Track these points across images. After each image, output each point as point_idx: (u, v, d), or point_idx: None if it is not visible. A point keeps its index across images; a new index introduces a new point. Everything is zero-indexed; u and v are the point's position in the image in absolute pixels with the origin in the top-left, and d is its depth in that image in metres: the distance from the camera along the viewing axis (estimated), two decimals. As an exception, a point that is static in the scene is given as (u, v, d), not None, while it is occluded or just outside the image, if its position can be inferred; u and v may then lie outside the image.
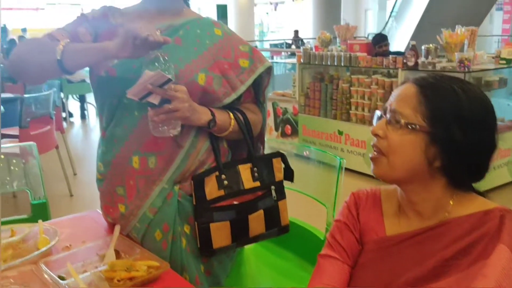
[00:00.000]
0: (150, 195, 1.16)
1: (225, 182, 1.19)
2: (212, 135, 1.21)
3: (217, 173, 1.19)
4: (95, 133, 6.76)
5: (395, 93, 0.89)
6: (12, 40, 9.78)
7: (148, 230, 1.17)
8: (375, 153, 0.88)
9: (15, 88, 6.73)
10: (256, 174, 1.23)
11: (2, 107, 3.56)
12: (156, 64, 1.03)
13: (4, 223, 1.66)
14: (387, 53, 4.37)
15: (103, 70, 1.15)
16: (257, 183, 1.23)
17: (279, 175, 1.27)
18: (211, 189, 1.18)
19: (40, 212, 1.76)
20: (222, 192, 1.19)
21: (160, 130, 1.08)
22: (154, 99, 1.05)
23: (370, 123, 3.94)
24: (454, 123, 0.81)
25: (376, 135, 0.87)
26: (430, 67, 3.54)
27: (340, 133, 4.31)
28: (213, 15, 22.00)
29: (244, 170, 1.22)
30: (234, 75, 1.21)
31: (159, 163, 1.15)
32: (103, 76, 1.16)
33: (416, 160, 0.83)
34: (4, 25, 17.27)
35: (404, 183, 0.87)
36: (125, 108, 1.16)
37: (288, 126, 4.96)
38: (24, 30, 16.28)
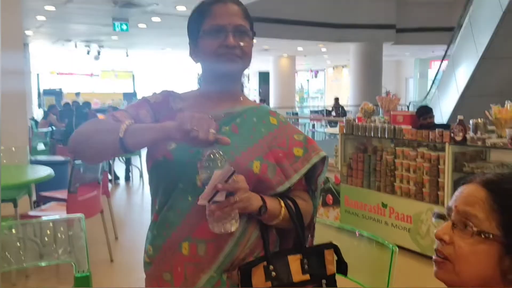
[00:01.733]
0: (197, 283, 1.13)
1: (273, 273, 1.15)
2: (261, 222, 1.19)
3: (265, 263, 1.15)
4: (138, 196, 6.89)
5: (461, 192, 0.84)
6: (67, 104, 10.37)
7: (195, 319, 1.13)
8: (438, 258, 0.82)
9: (66, 151, 7.04)
10: (306, 266, 1.18)
11: (53, 172, 3.69)
12: (210, 163, 1.04)
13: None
14: (432, 125, 4.31)
15: (160, 154, 1.17)
16: (307, 276, 1.17)
17: (331, 267, 1.22)
18: (258, 281, 1.13)
19: (83, 285, 1.76)
20: (269, 284, 1.14)
21: (223, 226, 1.06)
22: (221, 196, 1.04)
23: (416, 197, 3.85)
24: None
25: (441, 240, 0.82)
26: (479, 143, 3.44)
27: (384, 205, 4.18)
28: (255, 81, 22.75)
29: (294, 262, 1.17)
30: (288, 163, 1.21)
31: (208, 251, 1.14)
32: (160, 159, 1.17)
33: (489, 272, 0.77)
34: (60, 89, 18.44)
35: None
36: (179, 193, 1.16)
37: (330, 196, 4.87)
38: (78, 94, 17.30)
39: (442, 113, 8.53)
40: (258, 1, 7.96)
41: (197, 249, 1.13)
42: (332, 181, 4.85)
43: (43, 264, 1.95)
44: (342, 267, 1.24)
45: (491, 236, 0.77)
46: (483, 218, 0.78)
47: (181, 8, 8.52)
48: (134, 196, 6.91)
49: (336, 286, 1.23)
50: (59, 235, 1.99)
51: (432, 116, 4.50)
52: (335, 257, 1.23)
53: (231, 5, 1.20)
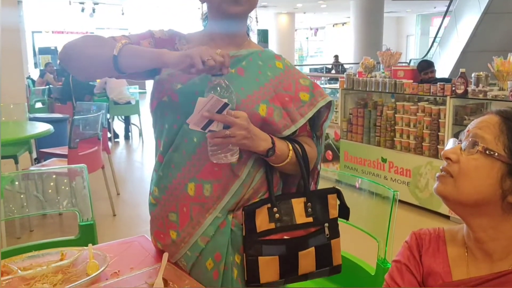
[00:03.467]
0: (202, 223, 1.15)
1: (277, 215, 1.16)
2: (267, 164, 1.19)
3: (269, 205, 1.17)
4: (138, 154, 6.92)
5: (474, 121, 0.86)
6: (63, 63, 10.19)
7: (199, 259, 1.15)
8: (443, 173, 0.85)
9: (64, 108, 7.02)
10: (309, 209, 1.19)
11: (52, 128, 3.68)
12: (218, 89, 1.03)
13: (52, 244, 1.69)
14: (433, 80, 4.27)
15: (165, 95, 1.16)
16: (310, 219, 1.19)
17: (333, 212, 1.23)
18: (262, 222, 1.15)
19: (88, 233, 1.78)
20: (272, 225, 1.16)
21: (218, 157, 1.07)
22: (216, 127, 1.04)
23: (415, 151, 3.86)
24: None
25: (447, 158, 0.84)
26: (480, 95, 3.42)
27: (384, 160, 4.21)
28: (254, 39, 22.31)
29: (298, 205, 1.19)
30: (295, 108, 1.20)
31: (214, 191, 1.14)
32: (165, 101, 1.16)
33: (490, 190, 0.79)
34: (56, 47, 18.15)
35: (471, 215, 0.82)
36: (185, 134, 1.16)
37: (329, 152, 4.90)
38: (73, 53, 17.02)
39: (443, 70, 8.45)
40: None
41: (202, 189, 1.14)
42: (332, 137, 4.86)
43: (47, 212, 1.97)
44: (344, 212, 1.26)
45: (496, 154, 0.79)
46: (490, 139, 0.81)
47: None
48: (134, 153, 6.93)
49: (338, 230, 1.25)
50: (62, 186, 2.01)
51: (433, 71, 4.46)
52: (338, 202, 1.24)
53: None
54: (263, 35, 18.54)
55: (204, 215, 1.15)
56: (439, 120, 3.74)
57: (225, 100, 1.01)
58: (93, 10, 15.23)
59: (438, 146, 3.76)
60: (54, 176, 1.98)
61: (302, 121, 1.21)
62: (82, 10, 14.87)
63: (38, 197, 1.96)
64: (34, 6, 15.11)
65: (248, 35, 1.28)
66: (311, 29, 24.09)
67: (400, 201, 3.86)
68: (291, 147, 1.19)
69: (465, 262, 0.85)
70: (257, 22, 1.28)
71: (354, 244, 1.75)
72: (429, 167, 3.80)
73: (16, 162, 3.83)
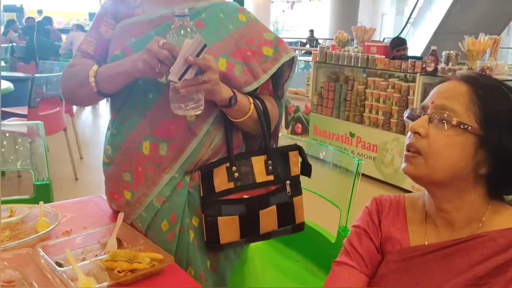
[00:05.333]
0: (158, 183, 1.10)
1: (236, 174, 1.13)
2: (227, 123, 1.14)
3: (227, 164, 1.13)
4: (104, 119, 6.73)
5: (438, 89, 0.81)
6: (29, 19, 9.75)
7: (154, 220, 1.11)
8: (410, 152, 0.80)
9: (27, 68, 6.72)
10: (270, 167, 1.16)
11: (12, 86, 3.51)
12: (182, 31, 0.96)
13: (5, 202, 1.61)
14: (404, 57, 4.29)
15: (118, 49, 1.10)
16: (271, 177, 1.16)
17: (295, 169, 1.20)
18: (220, 181, 1.11)
19: (43, 193, 1.71)
20: (231, 185, 1.12)
21: (183, 108, 0.99)
22: (190, 74, 0.96)
23: (384, 127, 3.89)
24: (507, 129, 0.74)
25: (416, 133, 0.79)
26: (450, 74, 3.44)
27: (352, 135, 4.23)
28: (229, 9, 21.88)
29: (258, 163, 1.15)
30: (257, 63, 1.15)
31: (170, 151, 1.09)
32: (118, 54, 1.10)
33: (463, 164, 0.76)
34: (21, 5, 17.31)
35: (439, 187, 0.80)
36: (139, 90, 1.10)
37: (299, 125, 4.89)
38: (40, 11, 16.31)
39: (415, 50, 8.51)
40: None
41: (158, 148, 1.09)
42: (302, 110, 4.84)
43: (2, 170, 1.87)
44: (307, 169, 1.23)
45: (469, 128, 0.75)
46: (461, 111, 0.76)
47: None
48: (100, 118, 6.75)
49: (300, 188, 1.22)
50: (17, 146, 1.91)
51: (405, 48, 4.46)
52: (300, 159, 1.22)
53: None
54: (239, 4, 18.21)
55: (160, 175, 1.10)
56: (408, 97, 3.77)
57: (204, 42, 0.94)
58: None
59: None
60: (7, 134, 1.87)
61: (265, 77, 1.16)
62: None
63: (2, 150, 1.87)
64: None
65: None
66: (287, 2, 23.79)
67: (365, 175, 3.96)
68: (251, 101, 1.14)
69: (423, 228, 0.84)
70: None
71: (317, 212, 1.75)
72: (395, 143, 3.84)
73: (-27, 120, 3.66)
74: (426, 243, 0.82)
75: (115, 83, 1.07)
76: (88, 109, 7.11)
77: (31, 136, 1.91)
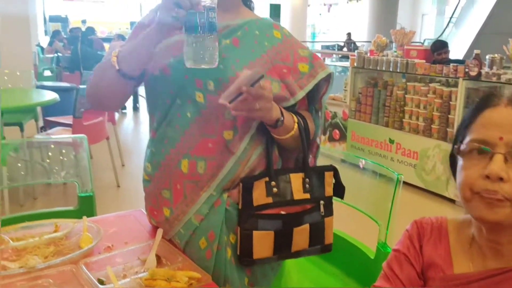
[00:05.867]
0: (196, 201, 1.12)
1: (274, 189, 1.13)
2: (268, 139, 1.15)
3: (267, 178, 1.13)
4: (145, 126, 6.90)
5: (494, 120, 0.74)
6: (74, 29, 10.08)
7: (192, 237, 1.12)
8: (493, 197, 0.71)
9: (72, 77, 6.98)
10: (307, 185, 1.16)
11: (58, 96, 3.65)
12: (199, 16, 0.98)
13: (50, 213, 1.68)
14: (446, 61, 4.17)
15: (157, 69, 1.12)
16: (307, 195, 1.16)
17: (329, 189, 1.20)
18: (259, 195, 1.12)
19: (87, 204, 1.77)
20: (269, 200, 1.12)
21: (200, 58, 1.00)
22: (243, 99, 0.99)
23: (424, 133, 3.78)
24: None
25: (499, 178, 0.71)
26: (494, 78, 3.32)
27: (391, 141, 4.15)
28: (266, 14, 22.05)
29: (296, 180, 1.15)
30: (293, 80, 1.15)
31: (208, 169, 1.11)
32: (157, 75, 1.13)
33: None
34: (66, 16, 18.01)
35: (505, 226, 0.74)
36: (178, 109, 1.12)
37: (337, 131, 4.84)
38: (84, 21, 16.91)
39: (457, 51, 8.26)
40: None
41: (196, 166, 1.11)
42: (340, 116, 4.79)
43: (46, 182, 1.95)
44: (340, 190, 1.22)
45: None
46: None
47: None
48: (141, 125, 6.92)
49: (332, 209, 1.21)
50: (61, 157, 1.99)
51: (447, 51, 4.35)
52: (333, 180, 1.21)
53: None
54: (275, 10, 18.24)
55: (198, 192, 1.11)
56: (450, 102, 3.66)
57: (262, 72, 0.98)
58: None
59: (448, 129, 3.69)
60: (52, 146, 1.95)
61: (302, 94, 1.16)
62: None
63: (43, 165, 1.95)
64: (44, -27, 14.92)
65: (243, 2, 1.22)
66: (324, 5, 23.63)
67: (405, 183, 3.85)
68: (296, 119, 1.15)
69: (468, 255, 0.80)
70: (249, 4, 1.22)
71: (355, 226, 1.73)
72: (437, 150, 3.73)
73: (22, 130, 3.83)
74: (472, 271, 0.79)
75: (137, 56, 1.06)
76: (129, 116, 7.31)
77: (75, 148, 1.98)
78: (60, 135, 3.63)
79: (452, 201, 3.59)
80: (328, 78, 1.20)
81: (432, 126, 3.81)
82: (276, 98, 1.12)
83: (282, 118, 1.09)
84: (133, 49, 1.06)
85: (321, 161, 1.35)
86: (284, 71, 1.14)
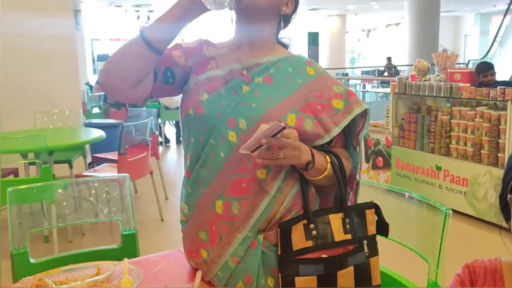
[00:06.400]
0: (232, 242, 1.10)
1: (314, 232, 1.09)
2: (302, 179, 1.13)
3: (305, 221, 1.10)
4: (187, 158, 7.01)
5: None
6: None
7: (230, 280, 1.11)
8: None
9: (118, 113, 7.23)
10: (348, 225, 1.12)
11: (104, 134, 3.78)
12: None
13: (94, 252, 1.71)
14: (492, 83, 4.02)
15: (191, 107, 1.14)
16: (349, 236, 1.12)
17: (371, 228, 1.15)
18: (298, 239, 1.09)
19: (130, 242, 1.79)
20: (309, 243, 1.09)
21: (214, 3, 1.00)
22: (266, 148, 1.01)
23: (473, 159, 3.63)
24: None
25: None
26: (546, 100, 3.16)
27: (439, 168, 3.99)
28: (304, 42, 22.25)
29: (335, 221, 1.11)
30: (327, 116, 1.13)
31: (243, 209, 1.10)
32: (191, 113, 1.14)
33: None
34: (107, 54, 18.87)
35: None
36: (211, 149, 1.12)
37: (380, 158, 4.72)
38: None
39: (504, 72, 7.97)
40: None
41: (231, 207, 1.10)
42: (383, 143, 4.68)
43: (88, 222, 2.00)
44: (383, 228, 1.17)
45: None
46: None
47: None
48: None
49: (377, 248, 1.16)
50: (104, 194, 2.03)
51: (493, 73, 4.19)
52: (376, 217, 1.16)
53: None
54: (314, 38, 18.37)
55: (233, 234, 1.10)
56: (499, 126, 3.50)
57: (283, 124, 0.97)
58: (148, 18, 15.71)
59: (498, 154, 3.52)
60: (96, 184, 2.01)
61: (337, 130, 1.14)
62: (138, 17, 15.38)
63: (89, 201, 2.01)
64: (92, 15, 15.80)
65: (276, 40, 1.22)
66: (363, 30, 23.59)
67: (456, 212, 3.68)
68: (328, 160, 1.12)
69: None
70: (283, 27, 1.21)
71: (403, 262, 1.65)
72: (488, 176, 3.56)
73: (71, 167, 3.98)
74: None
75: (162, 22, 1.05)
76: (173, 149, 7.46)
77: (119, 186, 2.03)
78: (106, 172, 3.74)
79: (508, 230, 3.38)
80: (364, 114, 1.17)
81: (481, 151, 3.64)
82: (311, 136, 1.11)
83: (312, 160, 1.07)
84: (161, 16, 1.05)
85: (364, 191, 1.31)
86: (318, 108, 1.13)
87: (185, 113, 1.16)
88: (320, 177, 1.11)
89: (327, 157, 1.12)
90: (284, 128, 0.97)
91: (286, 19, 1.19)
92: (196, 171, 1.15)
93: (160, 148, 7.19)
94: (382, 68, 14.28)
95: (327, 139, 1.13)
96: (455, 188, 3.84)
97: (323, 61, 16.75)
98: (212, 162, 1.12)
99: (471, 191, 3.70)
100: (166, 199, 4.51)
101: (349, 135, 1.21)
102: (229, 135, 1.10)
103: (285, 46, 1.25)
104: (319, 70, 1.20)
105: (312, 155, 1.08)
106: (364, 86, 9.99)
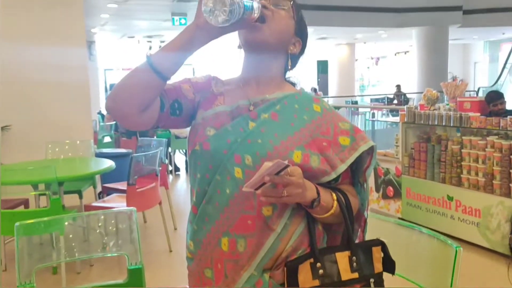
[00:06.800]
0: (237, 281, 1.09)
1: (321, 271, 1.08)
2: (309, 216, 1.12)
3: (311, 260, 1.09)
4: (197, 187, 7.00)
5: None
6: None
7: (237, 320, 1.09)
8: None
9: (129, 142, 7.30)
10: (354, 264, 1.10)
11: (114, 164, 3.81)
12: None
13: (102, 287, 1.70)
14: (503, 112, 4.00)
15: (197, 143, 1.14)
16: (356, 275, 1.10)
17: (378, 266, 1.14)
18: (305, 278, 1.07)
19: (136, 277, 1.78)
20: (316, 283, 1.07)
21: (214, 15, 0.99)
22: (269, 184, 1.01)
23: (485, 189, 3.58)
24: None
25: None
26: (558, 130, 3.13)
27: (450, 198, 3.94)
28: (314, 70, 22.45)
29: (342, 259, 1.10)
30: (334, 153, 1.13)
31: (248, 247, 1.09)
32: (197, 149, 1.14)
33: None
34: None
35: None
36: (217, 185, 1.12)
37: (390, 188, 4.68)
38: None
39: (515, 99, 7.95)
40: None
41: (236, 244, 1.09)
42: (393, 172, 4.65)
43: (93, 256, 2.00)
44: (390, 266, 1.16)
45: None
46: None
47: (237, 0, 8.52)
48: (194, 187, 7.01)
49: (384, 285, 1.14)
50: (110, 227, 2.03)
51: (503, 102, 4.18)
52: (382, 254, 1.14)
53: None
54: (323, 66, 18.55)
55: (238, 272, 1.09)
56: (511, 156, 3.46)
57: (286, 161, 0.98)
58: (160, 47, 16.03)
59: (511, 185, 3.47)
60: (102, 216, 2.01)
61: (343, 167, 1.14)
62: (150, 48, 15.68)
63: (98, 232, 2.01)
64: (106, 46, 16.17)
65: (283, 77, 1.24)
66: (372, 58, 23.78)
67: (468, 243, 3.61)
68: (335, 197, 1.12)
69: None
70: (290, 68, 1.23)
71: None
72: (500, 207, 3.50)
73: (81, 197, 4.00)
74: None
75: (170, 49, 1.05)
76: (182, 178, 7.47)
77: (125, 219, 2.03)
78: (115, 202, 3.75)
79: (522, 263, 3.31)
80: (371, 151, 1.17)
81: (493, 181, 3.59)
82: (317, 172, 1.10)
83: (318, 198, 1.06)
84: (169, 43, 1.06)
85: (374, 224, 1.29)
86: (324, 144, 1.13)
87: (192, 148, 1.16)
88: (327, 215, 1.10)
89: (334, 195, 1.12)
90: (288, 166, 0.97)
91: (293, 59, 1.21)
92: (202, 208, 1.15)
93: (170, 177, 7.20)
94: (392, 96, 14.32)
95: (333, 176, 1.13)
96: (468, 219, 3.77)
97: (333, 89, 16.85)
98: (218, 199, 1.12)
99: (484, 222, 3.63)
100: (175, 229, 4.49)
101: (356, 171, 1.21)
102: (235, 171, 1.10)
103: (293, 85, 1.27)
104: (325, 107, 1.21)
105: (318, 193, 1.07)
106: (373, 115, 9.99)
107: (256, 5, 1.05)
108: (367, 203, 1.22)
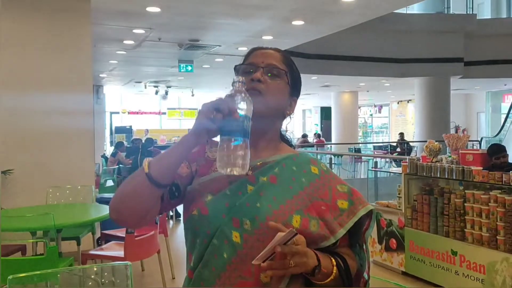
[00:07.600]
0: None
1: None
2: (307, 281, 1.09)
3: None
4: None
5: None
6: (135, 140, 10.79)
7: None
8: None
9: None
10: None
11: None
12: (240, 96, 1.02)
13: None
14: (505, 165, 3.98)
15: (195, 208, 1.13)
16: None
17: None
18: None
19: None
20: None
21: (232, 162, 1.00)
22: (273, 255, 1.00)
23: (489, 245, 3.51)
24: None
25: None
26: (561, 186, 3.10)
27: (454, 253, 3.86)
28: (317, 116, 22.69)
29: None
30: (332, 217, 1.12)
31: None
32: (195, 214, 1.13)
33: None
34: (130, 126, 19.40)
35: None
36: (214, 249, 1.10)
37: (393, 240, 4.60)
38: (146, 131, 18.10)
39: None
40: (317, 39, 7.98)
41: None
42: (396, 224, 4.59)
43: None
44: None
45: None
46: None
47: (242, 49, 8.74)
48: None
49: None
50: (103, 279, 2.00)
51: (505, 155, 4.16)
52: None
53: (271, 50, 1.23)
54: (326, 112, 18.72)
55: None
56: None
57: (295, 231, 0.98)
58: (166, 93, 16.33)
59: (516, 241, 3.41)
60: (95, 268, 1.98)
61: (342, 232, 1.12)
62: (156, 92, 15.98)
63: (95, 280, 1.97)
64: (112, 90, 16.47)
65: (281, 139, 1.25)
66: (375, 106, 24.06)
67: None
68: (334, 263, 1.09)
69: None
70: (286, 139, 1.24)
71: None
72: (505, 263, 3.42)
73: (78, 244, 3.94)
74: None
75: (168, 161, 1.06)
76: (182, 226, 7.37)
77: (120, 272, 1.99)
78: (113, 250, 3.69)
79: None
80: (370, 214, 1.16)
81: (497, 237, 3.53)
82: (316, 237, 1.09)
83: (319, 266, 1.04)
84: (166, 153, 1.07)
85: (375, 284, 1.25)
86: (322, 208, 1.12)
87: (189, 214, 1.15)
88: (326, 281, 1.08)
89: (333, 260, 1.10)
90: (296, 234, 0.97)
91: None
92: (198, 272, 1.13)
93: (170, 223, 7.13)
94: (395, 144, 14.36)
95: (332, 241, 1.12)
96: (472, 274, 3.68)
97: (336, 136, 16.92)
98: (215, 263, 1.10)
99: (488, 279, 3.54)
100: (173, 278, 4.39)
101: (354, 234, 1.19)
102: (232, 236, 1.08)
103: (289, 143, 1.27)
104: (323, 169, 1.21)
105: (318, 260, 1.06)
106: (376, 164, 9.96)
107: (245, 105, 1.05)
108: (366, 264, 1.20)
